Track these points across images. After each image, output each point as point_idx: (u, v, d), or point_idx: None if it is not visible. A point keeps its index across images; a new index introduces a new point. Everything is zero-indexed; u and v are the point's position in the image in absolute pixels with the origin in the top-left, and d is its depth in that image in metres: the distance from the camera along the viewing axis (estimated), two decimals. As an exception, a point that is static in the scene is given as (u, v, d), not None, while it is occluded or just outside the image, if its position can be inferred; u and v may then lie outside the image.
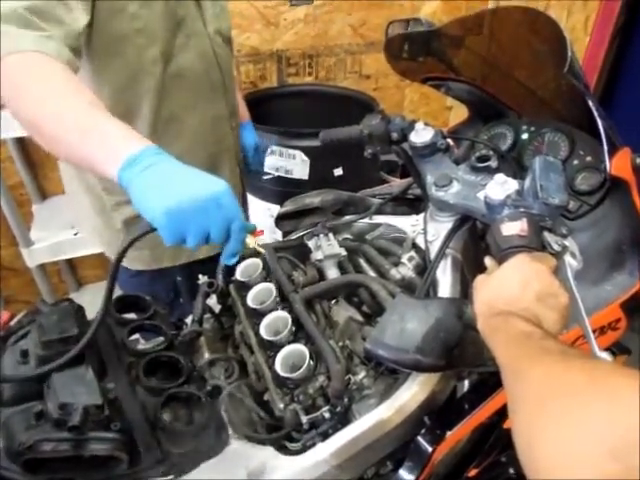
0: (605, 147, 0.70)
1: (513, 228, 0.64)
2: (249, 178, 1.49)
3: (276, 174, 1.83)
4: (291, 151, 1.78)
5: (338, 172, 1.82)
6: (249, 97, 1.48)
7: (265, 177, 1.81)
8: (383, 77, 2.41)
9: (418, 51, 0.97)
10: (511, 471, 1.42)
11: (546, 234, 0.67)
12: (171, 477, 0.72)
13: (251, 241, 0.71)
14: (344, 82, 2.35)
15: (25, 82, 0.73)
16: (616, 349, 1.05)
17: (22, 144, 1.91)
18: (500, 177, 0.72)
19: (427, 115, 2.62)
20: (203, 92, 1.10)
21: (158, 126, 1.05)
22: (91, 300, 0.86)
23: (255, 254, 0.95)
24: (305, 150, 1.76)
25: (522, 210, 0.67)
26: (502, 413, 0.85)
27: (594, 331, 0.81)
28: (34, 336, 0.70)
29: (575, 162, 0.85)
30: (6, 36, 0.73)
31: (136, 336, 0.90)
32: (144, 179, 0.63)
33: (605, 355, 0.62)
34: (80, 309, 0.80)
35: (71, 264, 2.24)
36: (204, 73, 1.08)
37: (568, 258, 0.67)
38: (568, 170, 0.85)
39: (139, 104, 1.03)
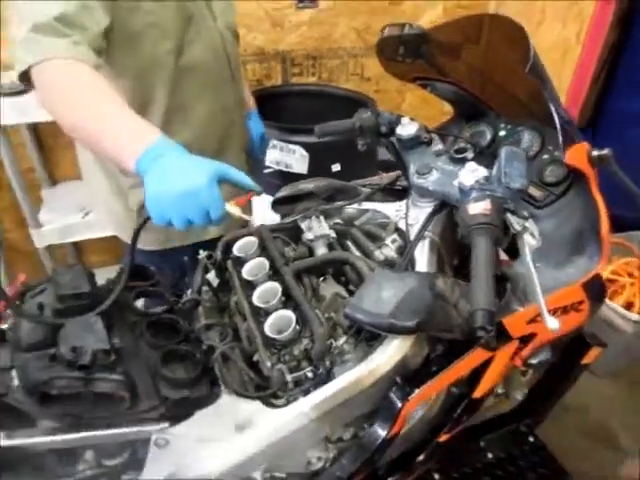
0: (560, 138, 0.78)
1: (478, 208, 0.73)
2: (252, 168, 1.56)
3: (276, 168, 1.91)
4: (291, 146, 1.86)
5: (336, 168, 1.90)
6: (255, 94, 1.56)
7: (266, 171, 1.89)
8: (384, 80, 2.49)
9: (408, 54, 1.06)
10: (490, 456, 1.50)
11: (509, 215, 0.76)
12: (166, 425, 0.80)
13: (236, 211, 0.78)
14: (346, 84, 2.44)
15: (60, 88, 0.82)
16: (592, 341, 1.13)
17: (35, 130, 1.99)
18: (471, 165, 0.80)
19: (426, 119, 2.70)
20: (212, 83, 1.19)
21: (171, 114, 1.14)
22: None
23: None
24: (304, 145, 1.84)
25: (488, 193, 0.75)
26: (471, 384, 0.93)
27: (557, 309, 0.89)
28: (50, 291, 0.79)
29: (545, 156, 0.93)
30: (37, 45, 0.82)
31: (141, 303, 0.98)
32: (151, 170, 0.74)
33: (555, 321, 0.69)
34: (91, 274, 0.89)
35: (78, 249, 2.32)
36: (214, 65, 1.18)
37: (527, 237, 0.75)
38: (539, 164, 0.94)
39: (154, 94, 1.12)
